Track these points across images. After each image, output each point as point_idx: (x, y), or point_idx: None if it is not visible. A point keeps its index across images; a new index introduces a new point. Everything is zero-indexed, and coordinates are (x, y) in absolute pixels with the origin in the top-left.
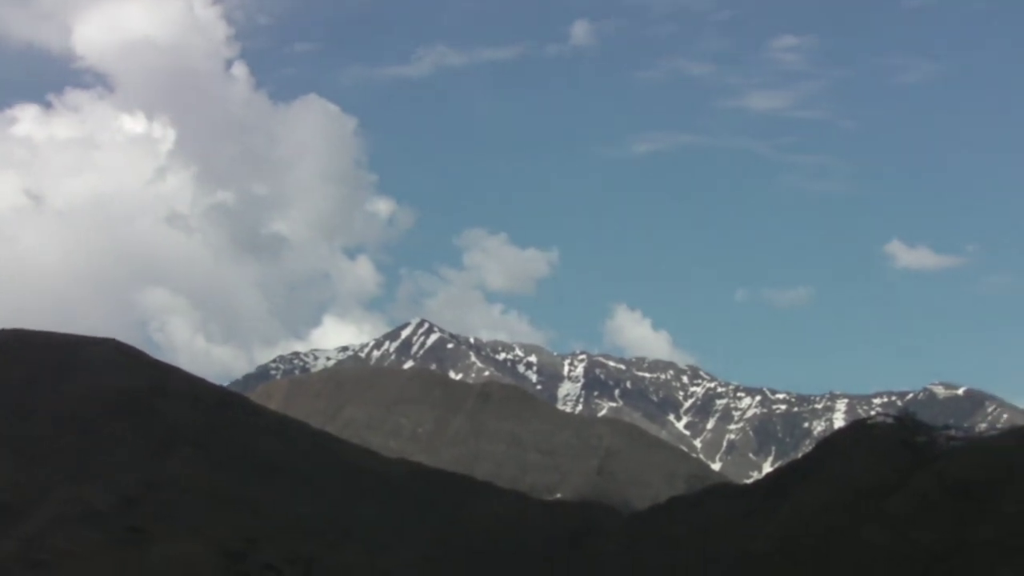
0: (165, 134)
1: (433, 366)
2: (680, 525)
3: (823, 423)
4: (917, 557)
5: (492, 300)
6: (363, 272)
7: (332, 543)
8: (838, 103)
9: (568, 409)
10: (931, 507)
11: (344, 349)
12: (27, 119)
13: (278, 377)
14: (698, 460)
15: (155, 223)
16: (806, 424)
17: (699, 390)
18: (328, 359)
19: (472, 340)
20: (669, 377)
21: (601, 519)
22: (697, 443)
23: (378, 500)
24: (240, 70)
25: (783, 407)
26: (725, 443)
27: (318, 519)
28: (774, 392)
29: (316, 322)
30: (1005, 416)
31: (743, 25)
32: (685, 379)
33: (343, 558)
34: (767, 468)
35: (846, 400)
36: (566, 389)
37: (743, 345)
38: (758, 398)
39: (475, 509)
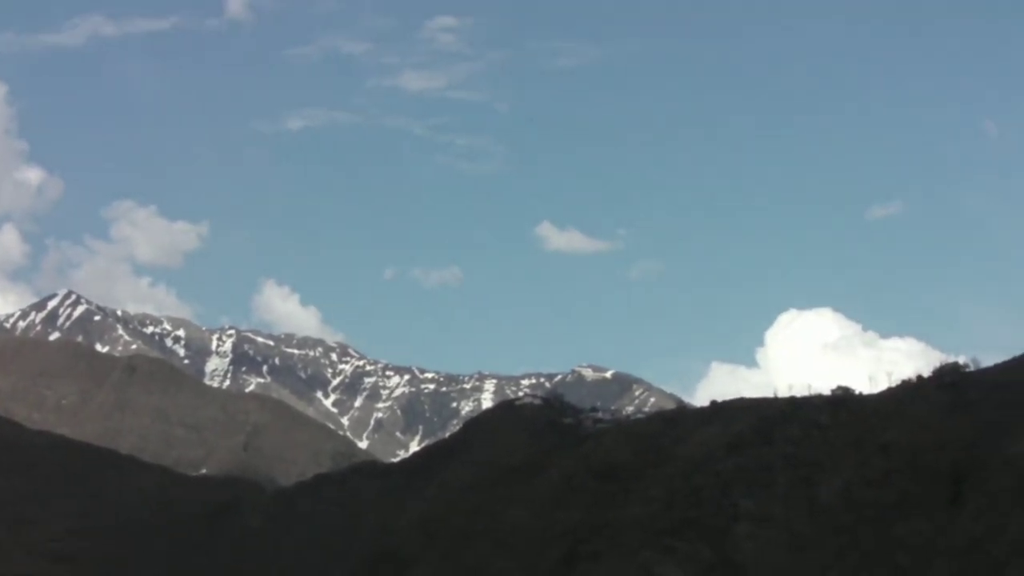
0: None
1: (80, 338)
2: (324, 502)
3: (471, 403)
4: (561, 538)
5: (140, 273)
6: (8, 241)
7: None
8: (493, 85)
9: (216, 384)
10: (576, 488)
11: None
12: None
13: None
14: (345, 438)
15: None
16: (454, 404)
17: (348, 368)
18: None
19: (119, 313)
20: (318, 354)
21: (246, 495)
22: (345, 421)
23: (21, 473)
24: None
25: (431, 386)
26: (373, 421)
27: None
28: (423, 371)
29: None
30: (652, 400)
31: (402, 4)
32: (334, 356)
33: None
34: (414, 447)
35: (495, 381)
36: (214, 364)
37: (392, 324)
38: (407, 377)
39: (120, 483)
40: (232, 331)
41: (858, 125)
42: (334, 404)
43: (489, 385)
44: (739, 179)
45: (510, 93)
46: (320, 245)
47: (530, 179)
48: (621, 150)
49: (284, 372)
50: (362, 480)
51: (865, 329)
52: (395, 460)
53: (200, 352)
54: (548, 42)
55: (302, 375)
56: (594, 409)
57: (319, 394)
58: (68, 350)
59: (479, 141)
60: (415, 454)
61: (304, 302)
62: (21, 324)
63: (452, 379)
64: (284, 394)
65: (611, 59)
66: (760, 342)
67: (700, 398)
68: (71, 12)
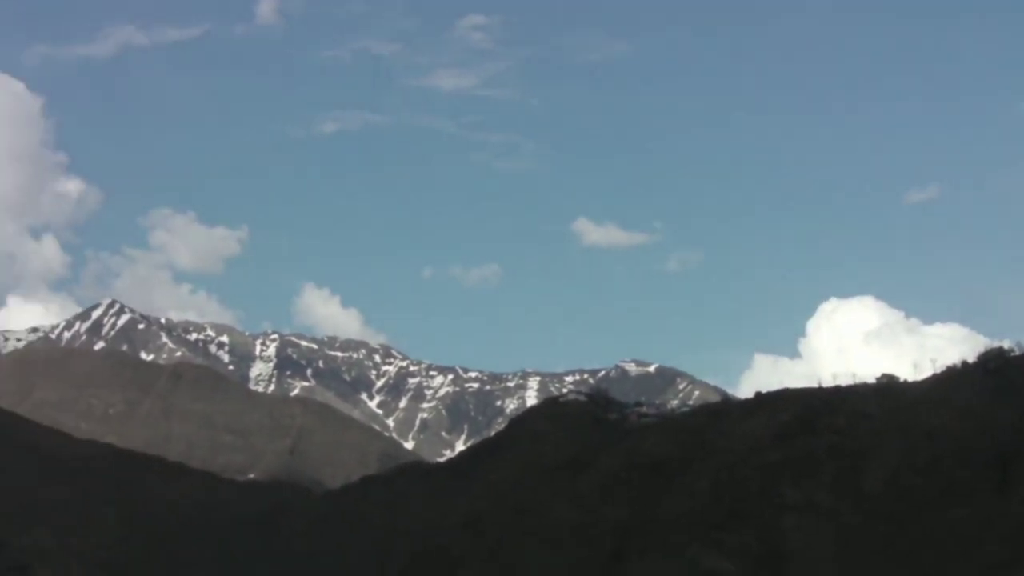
0: None
1: (124, 347)
2: (372, 503)
3: (515, 401)
4: (607, 533)
5: (181, 280)
6: (49, 252)
7: (23, 525)
8: (525, 82)
9: (260, 389)
10: (621, 483)
11: (35, 330)
12: None
13: None
14: (391, 439)
15: None
16: (498, 402)
17: (391, 369)
18: (18, 340)
19: (163, 320)
20: (361, 356)
21: (293, 499)
22: (390, 422)
23: (69, 482)
24: None
25: (475, 385)
26: (418, 422)
27: (8, 501)
28: (466, 371)
29: (1, 303)
30: (696, 393)
31: (430, 4)
32: (377, 358)
33: (34, 540)
34: (460, 446)
35: (538, 378)
36: (258, 369)
37: (434, 324)
38: (450, 377)
39: (167, 490)
40: (275, 336)
41: (892, 111)
42: (379, 406)
43: (533, 383)
44: (776, 169)
45: (541, 90)
46: (358, 247)
47: (565, 175)
48: (654, 142)
49: (328, 375)
50: (408, 481)
51: (908, 316)
52: (441, 460)
53: (244, 357)
54: (576, 37)
55: (346, 378)
56: (638, 404)
57: (364, 396)
58: (113, 359)
59: (512, 138)
60: (460, 454)
61: (345, 304)
62: (66, 335)
63: (496, 378)
64: (329, 397)
65: (639, 53)
66: (802, 332)
67: (744, 390)
68: (101, 22)
